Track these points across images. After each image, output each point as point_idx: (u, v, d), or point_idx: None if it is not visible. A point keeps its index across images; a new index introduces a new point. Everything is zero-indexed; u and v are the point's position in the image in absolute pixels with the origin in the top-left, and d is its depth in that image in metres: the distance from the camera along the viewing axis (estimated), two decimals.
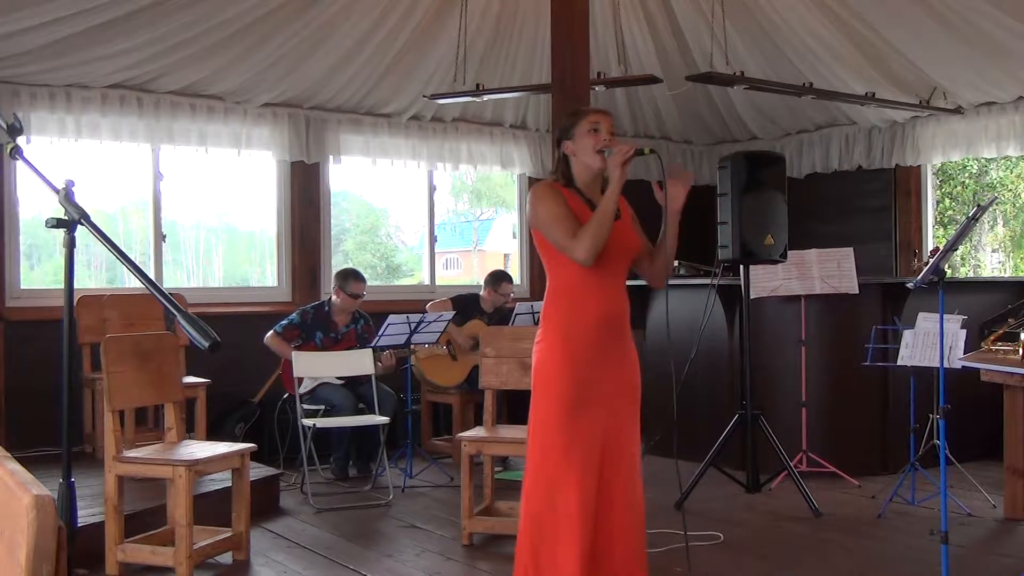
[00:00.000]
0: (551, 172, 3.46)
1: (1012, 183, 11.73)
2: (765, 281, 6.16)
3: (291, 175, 7.46)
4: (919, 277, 3.77)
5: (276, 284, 7.57)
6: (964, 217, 4.21)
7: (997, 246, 12.13)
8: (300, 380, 6.12)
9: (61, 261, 2.55)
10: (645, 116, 8.83)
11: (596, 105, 3.55)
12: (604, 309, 3.31)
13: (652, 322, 7.10)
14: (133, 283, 6.70)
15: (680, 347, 6.22)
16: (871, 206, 8.47)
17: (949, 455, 4.31)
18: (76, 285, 2.55)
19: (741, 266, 5.69)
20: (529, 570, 3.26)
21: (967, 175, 11.48)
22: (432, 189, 8.30)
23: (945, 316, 3.84)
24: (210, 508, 4.78)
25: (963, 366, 4.86)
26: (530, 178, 8.59)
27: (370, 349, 6.18)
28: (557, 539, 3.21)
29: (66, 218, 2.42)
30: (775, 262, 5.66)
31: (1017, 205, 11.80)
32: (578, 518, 3.19)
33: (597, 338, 3.30)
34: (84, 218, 2.41)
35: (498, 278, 7.22)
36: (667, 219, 3.34)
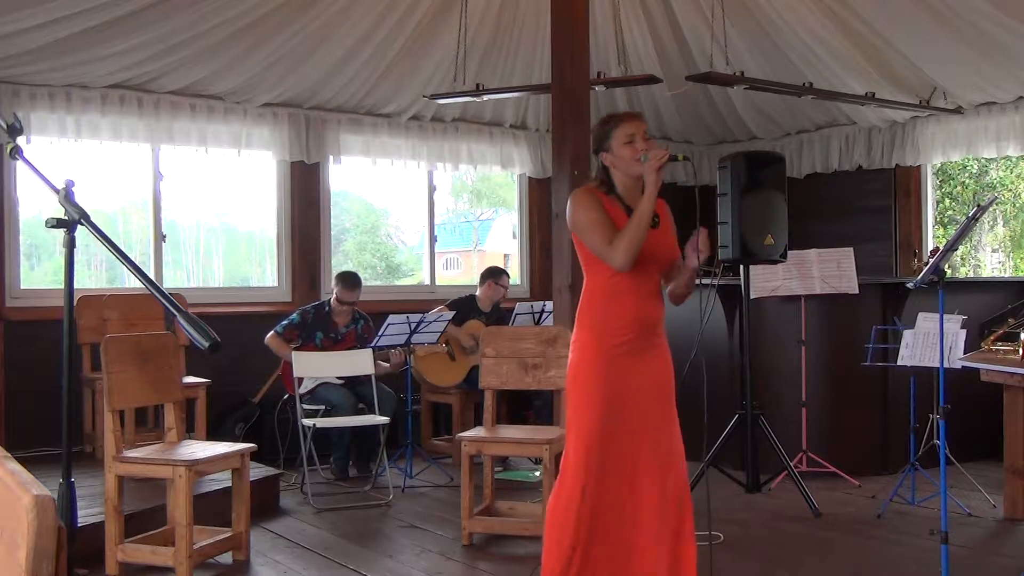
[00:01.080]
0: (593, 178, 3.50)
1: (1012, 183, 11.73)
2: (765, 281, 6.16)
3: (291, 175, 7.46)
4: (919, 277, 3.77)
5: (276, 284, 7.57)
6: (964, 217, 4.21)
7: (997, 246, 12.13)
8: (300, 380, 6.12)
9: (61, 261, 2.55)
10: (645, 116, 8.82)
11: (625, 111, 3.60)
12: (638, 313, 3.35)
13: None
14: (133, 283, 6.70)
15: (680, 347, 6.22)
16: (871, 206, 8.47)
17: (949, 455, 4.32)
18: (76, 285, 2.55)
19: (741, 266, 5.69)
20: (569, 556, 3.29)
21: (967, 175, 11.49)
22: (432, 189, 8.30)
23: (945, 316, 3.84)
24: (210, 508, 4.78)
25: (963, 366, 4.86)
26: (530, 178, 8.60)
27: (370, 349, 6.18)
28: (580, 530, 3.28)
29: (66, 218, 2.42)
30: (775, 262, 5.66)
31: (1017, 205, 11.80)
32: (590, 515, 3.26)
33: (631, 341, 3.34)
34: (84, 218, 2.41)
35: (496, 272, 7.24)
36: (686, 273, 3.43)
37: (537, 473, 6.18)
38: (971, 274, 11.43)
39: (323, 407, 6.17)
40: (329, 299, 6.64)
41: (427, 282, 8.31)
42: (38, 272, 7.07)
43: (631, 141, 3.34)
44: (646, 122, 3.45)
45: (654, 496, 3.33)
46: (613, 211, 3.35)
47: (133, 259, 2.61)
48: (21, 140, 2.53)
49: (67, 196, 2.42)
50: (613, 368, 3.32)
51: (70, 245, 2.43)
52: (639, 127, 3.38)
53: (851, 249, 6.14)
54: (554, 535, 3.35)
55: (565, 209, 3.49)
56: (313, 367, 6.12)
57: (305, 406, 6.05)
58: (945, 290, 3.72)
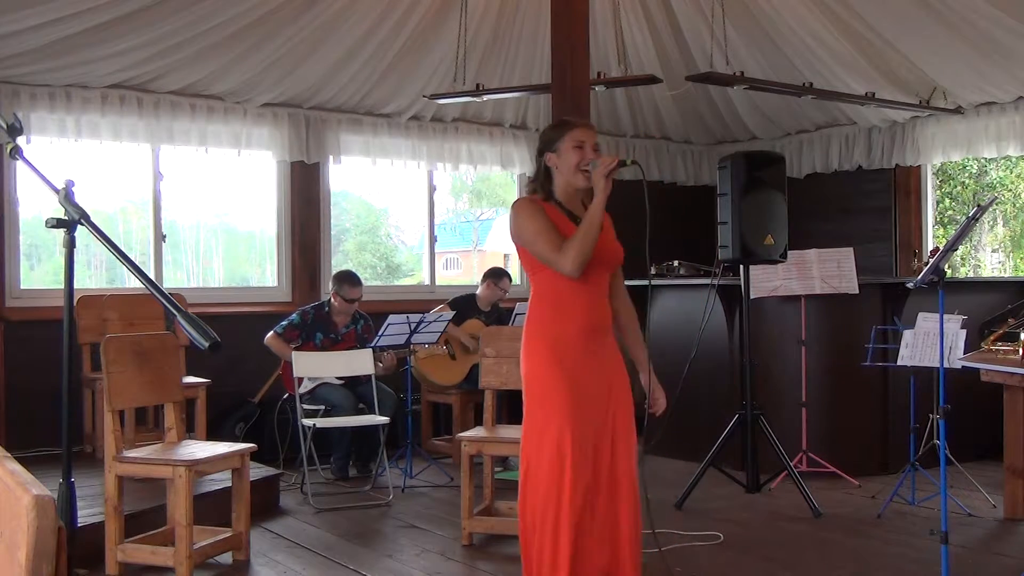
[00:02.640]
0: (529, 182, 3.52)
1: (1012, 183, 11.73)
2: (765, 281, 6.16)
3: (291, 175, 7.46)
4: (919, 277, 3.77)
5: (276, 284, 7.56)
6: (964, 217, 4.21)
7: (997, 246, 12.13)
8: (300, 380, 6.12)
9: (61, 261, 2.55)
10: (645, 116, 8.83)
11: (581, 119, 3.62)
12: (587, 317, 3.36)
13: (650, 322, 7.10)
14: (133, 283, 6.70)
15: (680, 347, 6.22)
16: (871, 206, 8.47)
17: (949, 455, 4.31)
18: (76, 285, 2.55)
19: (741, 266, 5.69)
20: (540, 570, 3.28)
21: (967, 175, 11.48)
22: (432, 189, 8.30)
23: (945, 316, 3.84)
24: (210, 508, 4.78)
25: (963, 366, 4.86)
26: (530, 178, 8.58)
27: (370, 349, 6.18)
28: (558, 541, 3.23)
29: (66, 218, 2.42)
30: (775, 262, 5.66)
31: (1017, 205, 11.80)
32: (572, 520, 3.22)
33: (582, 345, 3.35)
34: (84, 218, 2.41)
35: (498, 273, 7.24)
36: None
37: None
38: (971, 274, 11.42)
39: (323, 407, 6.17)
40: (329, 299, 6.63)
41: (427, 282, 8.31)
42: (38, 272, 7.07)
43: (580, 146, 3.35)
44: (596, 135, 3.45)
45: (624, 492, 3.34)
46: (556, 218, 3.36)
47: (133, 259, 2.61)
48: (21, 140, 2.53)
49: (67, 196, 2.42)
50: (570, 373, 3.30)
51: (70, 245, 2.43)
52: (590, 136, 3.39)
53: (851, 249, 6.14)
54: (536, 543, 3.30)
55: None
56: (313, 367, 6.12)
57: (305, 406, 6.05)
58: (945, 290, 3.72)
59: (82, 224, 2.42)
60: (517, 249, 3.47)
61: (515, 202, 3.48)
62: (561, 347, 3.33)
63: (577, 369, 3.32)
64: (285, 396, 6.45)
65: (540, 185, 3.44)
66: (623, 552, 3.33)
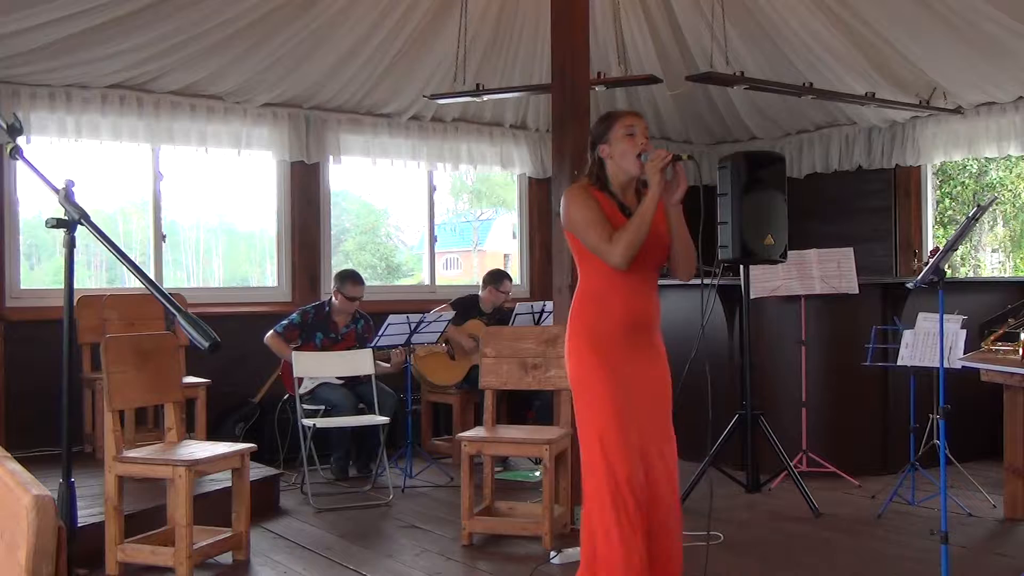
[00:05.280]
0: (586, 174, 3.48)
1: (1012, 183, 11.73)
2: (765, 281, 6.16)
3: (291, 175, 7.46)
4: (919, 277, 3.77)
5: (276, 284, 7.56)
6: (964, 217, 4.22)
7: (997, 246, 12.13)
8: (300, 380, 6.12)
9: (61, 261, 2.55)
10: (645, 116, 8.81)
11: (628, 108, 3.61)
12: (631, 311, 3.34)
13: None
14: (133, 283, 6.70)
15: (680, 347, 6.21)
16: (871, 206, 8.47)
17: (949, 455, 4.31)
18: (76, 285, 2.55)
19: (741, 266, 5.69)
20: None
21: (967, 175, 11.49)
22: (432, 189, 8.30)
23: (945, 316, 3.84)
24: (210, 508, 4.78)
25: (963, 366, 4.86)
26: (530, 178, 8.60)
27: (370, 349, 6.18)
28: (611, 533, 3.25)
29: (66, 218, 2.42)
30: (775, 262, 5.66)
31: (1017, 205, 11.80)
32: (635, 511, 3.23)
33: (624, 340, 3.33)
34: (84, 218, 2.41)
35: (498, 276, 7.23)
36: (669, 213, 3.40)
37: (537, 473, 6.18)
38: (971, 274, 11.43)
39: (323, 407, 6.17)
40: (329, 299, 6.63)
41: (427, 282, 8.31)
42: (38, 272, 7.06)
43: (632, 133, 3.35)
44: (646, 122, 3.46)
45: (666, 499, 3.35)
46: (608, 208, 3.35)
47: (133, 259, 2.61)
48: (21, 140, 2.53)
49: (67, 196, 2.43)
50: (614, 370, 3.30)
51: (70, 245, 2.43)
52: (640, 122, 3.39)
53: (851, 249, 6.14)
54: (602, 543, 3.29)
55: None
56: (313, 367, 6.12)
57: (305, 406, 6.05)
58: (945, 290, 3.72)
59: (82, 224, 2.42)
60: (567, 237, 3.46)
61: (568, 189, 3.47)
62: (603, 344, 3.31)
63: (621, 367, 3.30)
64: (285, 396, 6.45)
65: (595, 177, 3.42)
66: (662, 548, 3.35)
